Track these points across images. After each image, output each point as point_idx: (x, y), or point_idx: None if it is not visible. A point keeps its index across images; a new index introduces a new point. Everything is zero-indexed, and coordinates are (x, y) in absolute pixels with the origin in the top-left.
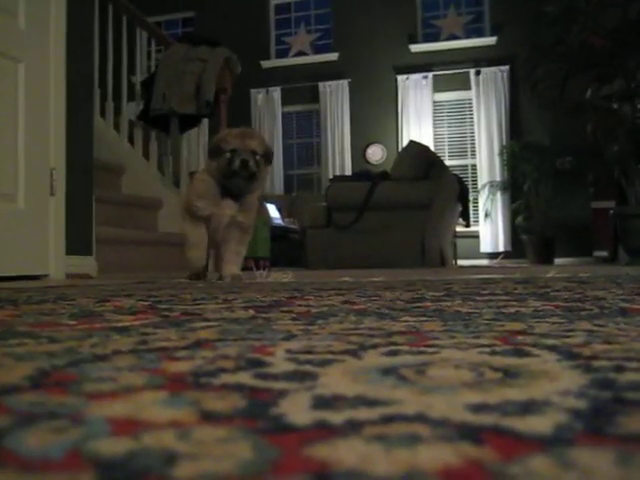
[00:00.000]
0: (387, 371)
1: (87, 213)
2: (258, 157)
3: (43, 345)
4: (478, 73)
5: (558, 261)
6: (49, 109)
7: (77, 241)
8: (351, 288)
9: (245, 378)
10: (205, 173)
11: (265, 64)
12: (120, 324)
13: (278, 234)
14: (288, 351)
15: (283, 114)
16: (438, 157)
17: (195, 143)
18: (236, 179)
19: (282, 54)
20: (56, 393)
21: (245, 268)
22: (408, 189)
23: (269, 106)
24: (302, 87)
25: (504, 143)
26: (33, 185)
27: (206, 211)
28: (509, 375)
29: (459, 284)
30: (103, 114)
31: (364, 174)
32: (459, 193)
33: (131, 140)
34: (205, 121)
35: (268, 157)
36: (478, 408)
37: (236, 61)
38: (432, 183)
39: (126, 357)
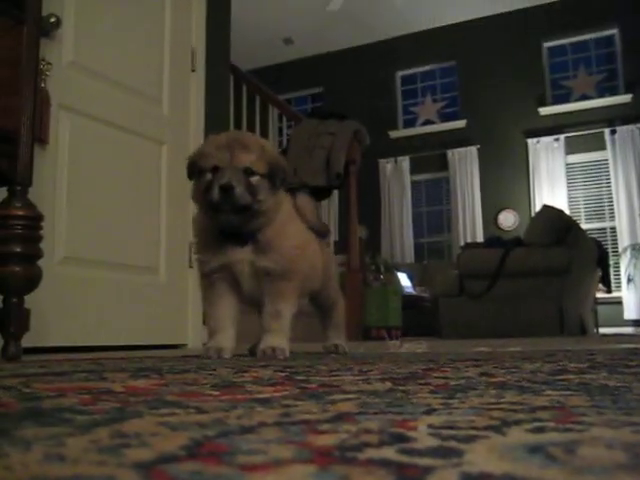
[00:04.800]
0: (534, 449)
1: None
2: (257, 178)
3: (192, 415)
4: (613, 132)
5: None
6: (188, 187)
7: None
8: (487, 359)
9: (390, 453)
10: (198, 212)
11: (393, 134)
12: (261, 395)
13: (410, 303)
14: (430, 426)
15: (412, 183)
16: (574, 221)
17: (326, 214)
18: (221, 215)
19: (410, 123)
20: (211, 464)
21: (378, 337)
22: (543, 255)
23: (398, 175)
24: (430, 155)
25: None
26: (173, 258)
27: (214, 263)
28: None
29: (603, 355)
30: None
31: (496, 240)
32: (598, 257)
33: None
34: (335, 192)
35: (275, 176)
36: None
37: (365, 133)
38: (569, 248)
39: (272, 429)
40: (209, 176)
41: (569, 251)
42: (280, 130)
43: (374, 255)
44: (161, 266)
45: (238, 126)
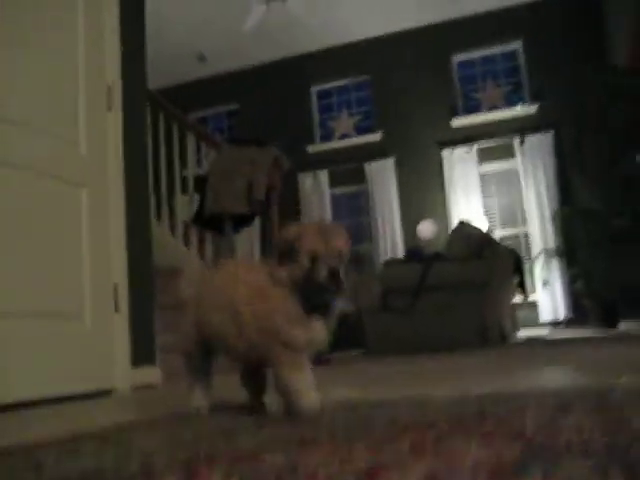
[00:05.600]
0: None
1: (149, 324)
2: (344, 262)
3: None
4: (522, 141)
5: (624, 325)
6: (109, 228)
7: (141, 352)
8: (429, 422)
9: None
10: (276, 284)
11: (311, 148)
12: None
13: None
14: None
15: (331, 196)
16: (490, 235)
17: (248, 239)
18: (321, 295)
19: (327, 138)
20: None
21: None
22: (463, 270)
23: (317, 189)
24: (348, 168)
25: (555, 209)
26: (98, 303)
27: (304, 338)
28: None
29: (534, 406)
30: (158, 218)
31: (415, 254)
32: (514, 265)
33: (185, 241)
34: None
35: (350, 260)
36: None
37: (284, 159)
38: (486, 262)
39: None
40: (307, 261)
41: (487, 265)
42: (198, 153)
43: None
44: (86, 312)
45: (156, 157)
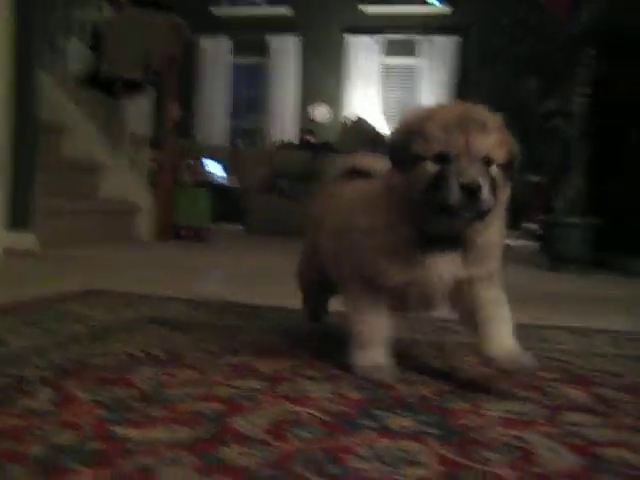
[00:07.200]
0: None
1: (29, 185)
2: (495, 169)
3: None
4: (429, 40)
5: (526, 227)
6: None
7: (18, 216)
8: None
9: None
10: (380, 201)
11: (215, 11)
12: None
13: (221, 192)
14: None
15: (232, 65)
16: (382, 135)
17: (139, 108)
18: (448, 220)
19: (233, 1)
20: None
21: (187, 237)
22: None
23: (218, 56)
24: (252, 39)
25: None
26: None
27: (401, 278)
28: None
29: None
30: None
31: (308, 143)
32: None
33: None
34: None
35: (512, 166)
36: None
37: (187, 29)
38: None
39: None
40: (432, 167)
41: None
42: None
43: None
44: None
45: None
